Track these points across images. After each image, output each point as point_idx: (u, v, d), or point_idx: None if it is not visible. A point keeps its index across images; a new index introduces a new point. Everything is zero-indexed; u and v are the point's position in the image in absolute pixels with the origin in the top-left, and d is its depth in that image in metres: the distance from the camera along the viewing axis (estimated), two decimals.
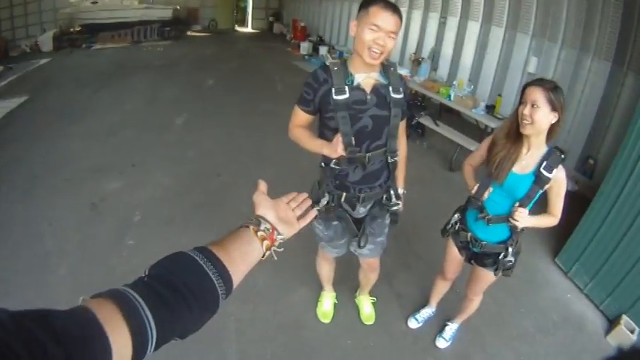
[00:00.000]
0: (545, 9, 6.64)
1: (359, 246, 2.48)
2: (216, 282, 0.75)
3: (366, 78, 2.04)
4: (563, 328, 3.53)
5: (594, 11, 5.85)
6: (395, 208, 2.40)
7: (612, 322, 3.61)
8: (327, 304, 3.19)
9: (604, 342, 3.49)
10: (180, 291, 0.69)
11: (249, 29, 16.88)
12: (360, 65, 2.00)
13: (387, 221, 2.53)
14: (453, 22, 8.43)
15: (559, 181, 2.07)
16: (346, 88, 1.99)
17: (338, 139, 1.95)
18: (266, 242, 0.94)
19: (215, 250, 0.81)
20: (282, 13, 16.63)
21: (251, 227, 0.95)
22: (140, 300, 0.62)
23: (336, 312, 3.21)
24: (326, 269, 2.98)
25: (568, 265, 4.11)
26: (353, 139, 2.06)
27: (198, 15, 15.35)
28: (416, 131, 6.64)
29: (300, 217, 1.10)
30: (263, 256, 0.95)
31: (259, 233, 0.94)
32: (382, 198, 2.36)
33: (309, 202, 1.16)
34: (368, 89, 2.04)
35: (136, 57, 10.04)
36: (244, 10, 17.30)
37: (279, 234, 1.00)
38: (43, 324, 0.48)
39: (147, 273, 0.72)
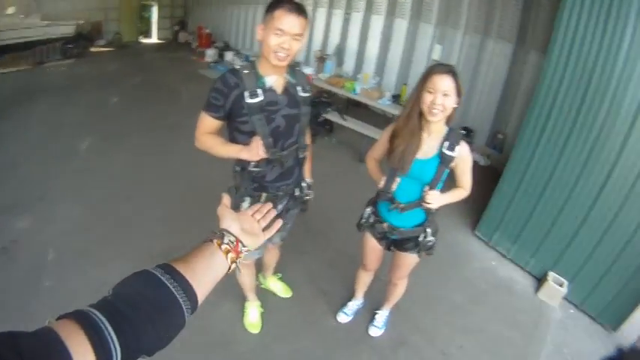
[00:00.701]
0: None
1: (280, 239, 2.55)
2: (178, 296, 0.76)
3: (277, 79, 2.03)
4: (494, 294, 3.67)
5: None
6: (307, 197, 2.45)
7: (540, 280, 3.85)
8: (253, 314, 3.05)
9: (536, 299, 3.70)
10: (142, 307, 0.70)
11: (154, 40, 16.35)
12: (269, 67, 1.98)
13: (297, 210, 2.53)
14: (357, 18, 8.59)
15: (463, 157, 2.11)
16: (259, 90, 1.95)
17: (258, 142, 1.94)
18: (230, 255, 0.94)
19: (177, 266, 0.81)
20: (187, 21, 16.19)
21: (214, 241, 0.95)
22: (102, 318, 0.64)
23: (264, 320, 3.08)
24: (248, 277, 2.87)
25: (488, 234, 4.31)
26: (271, 140, 2.03)
27: (101, 29, 14.61)
28: (324, 128, 6.66)
29: (265, 229, 1.12)
30: (229, 269, 0.94)
31: (223, 246, 0.94)
32: (294, 191, 2.36)
33: (274, 213, 1.18)
34: (279, 90, 2.04)
35: (38, 79, 9.32)
36: (149, 20, 16.74)
37: (243, 246, 1.00)
38: (9, 344, 0.52)
39: (110, 292, 0.72)
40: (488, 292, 3.67)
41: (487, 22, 6.43)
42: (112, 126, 6.42)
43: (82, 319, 0.63)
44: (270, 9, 1.87)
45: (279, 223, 1.18)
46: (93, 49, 13.26)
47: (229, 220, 1.03)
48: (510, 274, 3.93)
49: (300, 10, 1.87)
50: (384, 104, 6.20)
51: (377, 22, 8.19)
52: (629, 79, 3.11)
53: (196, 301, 0.80)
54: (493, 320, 3.38)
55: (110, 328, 0.63)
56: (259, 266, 3.12)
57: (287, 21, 1.83)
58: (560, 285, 3.64)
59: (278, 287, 3.32)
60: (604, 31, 3.18)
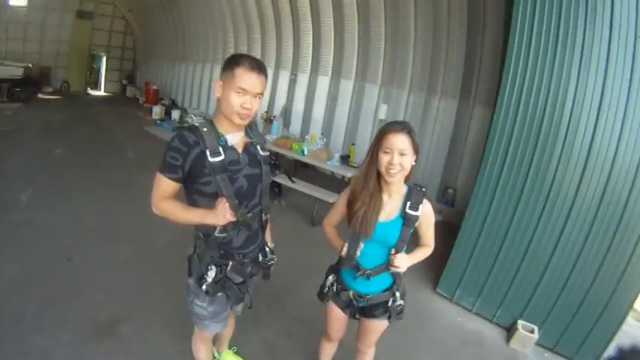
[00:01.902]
0: (392, 59, 7.30)
1: (249, 307, 2.29)
2: None
3: (237, 137, 1.94)
4: (465, 350, 3.54)
5: (438, 57, 6.62)
6: (271, 263, 2.28)
7: (510, 330, 3.78)
8: None
9: (508, 349, 3.61)
10: None
11: (102, 92, 16.04)
12: (228, 125, 1.89)
13: (259, 277, 2.33)
14: (303, 79, 8.81)
15: (427, 215, 2.06)
16: (220, 149, 1.84)
17: (224, 204, 1.81)
18: None
19: None
20: (136, 75, 16.10)
21: None
22: None
23: None
24: (205, 351, 2.57)
25: (450, 291, 4.22)
26: (236, 201, 1.89)
27: (50, 76, 14.18)
28: (272, 190, 6.49)
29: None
30: None
31: None
32: (258, 256, 2.21)
33: None
34: (240, 149, 1.95)
35: None
36: (98, 71, 16.46)
37: None
38: None
39: None
40: (458, 348, 3.53)
41: (431, 80, 6.76)
42: (56, 178, 6.11)
43: None
44: (230, 66, 1.80)
45: None
46: (40, 95, 12.85)
47: None
48: (478, 328, 3.83)
49: (261, 68, 1.83)
50: (333, 165, 6.20)
51: (323, 83, 8.42)
52: (578, 120, 3.28)
53: None
54: None
55: None
56: (213, 340, 2.81)
57: (248, 80, 1.78)
58: (531, 331, 3.60)
59: None
60: (550, 76, 3.36)
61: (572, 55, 3.26)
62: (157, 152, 1.83)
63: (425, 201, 2.01)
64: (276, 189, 6.44)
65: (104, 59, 16.13)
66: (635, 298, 3.31)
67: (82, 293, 3.48)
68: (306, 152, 6.42)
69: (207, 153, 1.80)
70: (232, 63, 1.80)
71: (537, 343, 3.62)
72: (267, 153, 2.09)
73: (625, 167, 3.17)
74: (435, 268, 4.38)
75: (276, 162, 6.66)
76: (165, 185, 1.86)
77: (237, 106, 1.79)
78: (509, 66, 3.54)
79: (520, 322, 3.66)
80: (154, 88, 13.21)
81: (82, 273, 3.77)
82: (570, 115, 3.30)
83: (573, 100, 3.27)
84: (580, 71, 3.24)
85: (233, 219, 1.84)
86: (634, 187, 3.15)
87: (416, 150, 1.92)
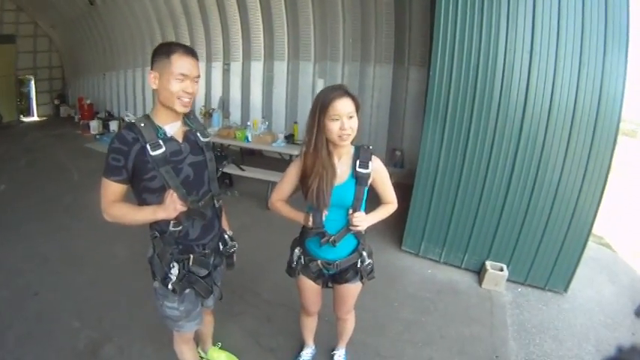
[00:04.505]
0: (322, 34, 7.29)
1: (219, 299, 2.29)
2: None
3: (176, 127, 1.91)
4: (441, 300, 3.69)
5: (368, 25, 6.68)
6: (232, 250, 2.26)
7: (480, 272, 3.99)
8: None
9: (482, 291, 3.82)
10: None
11: (35, 118, 15.17)
12: (166, 116, 1.87)
13: (223, 266, 2.32)
14: (236, 67, 8.65)
15: (379, 171, 2.08)
16: (160, 141, 1.82)
17: (172, 195, 1.79)
18: None
19: None
20: (68, 93, 15.20)
21: None
22: None
23: None
24: (190, 352, 2.55)
25: (415, 246, 4.39)
26: (184, 191, 1.87)
27: None
28: (223, 182, 6.42)
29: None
30: None
31: None
32: (218, 246, 2.19)
33: None
34: (180, 138, 1.93)
35: None
36: (28, 96, 15.52)
37: None
38: None
39: None
40: (434, 299, 3.68)
41: (364, 49, 6.84)
42: (3, 215, 5.73)
43: None
44: (163, 54, 1.77)
45: None
46: None
47: None
48: (449, 276, 4.01)
49: (194, 52, 1.83)
50: (279, 146, 6.22)
51: (257, 68, 8.32)
52: (511, 70, 3.45)
53: None
54: (450, 324, 3.37)
55: None
56: (196, 340, 2.80)
57: (186, 64, 1.77)
58: (500, 270, 3.82)
59: (222, 358, 2.98)
60: (480, 27, 3.50)
61: (500, 4, 3.40)
62: (101, 168, 1.78)
63: (374, 158, 2.04)
64: (227, 180, 6.39)
65: (32, 82, 15.16)
66: (592, 223, 3.56)
67: (57, 324, 3.36)
68: (250, 138, 6.37)
69: (148, 147, 1.78)
70: (165, 51, 1.78)
71: (509, 280, 3.84)
72: (209, 138, 2.08)
73: (563, 105, 3.37)
74: (397, 228, 4.52)
75: (223, 153, 6.55)
76: (112, 189, 1.82)
77: (179, 92, 1.78)
78: (439, 21, 3.64)
79: (488, 263, 3.87)
80: (88, 102, 12.52)
81: (51, 305, 3.63)
82: (504, 62, 3.46)
83: (505, 47, 3.43)
84: (509, 18, 3.39)
85: (184, 208, 1.83)
86: (574, 119, 3.37)
87: (358, 109, 1.95)
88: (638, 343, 3.23)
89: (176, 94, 1.78)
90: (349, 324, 2.68)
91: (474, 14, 3.48)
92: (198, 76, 1.85)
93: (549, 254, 3.71)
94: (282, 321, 3.36)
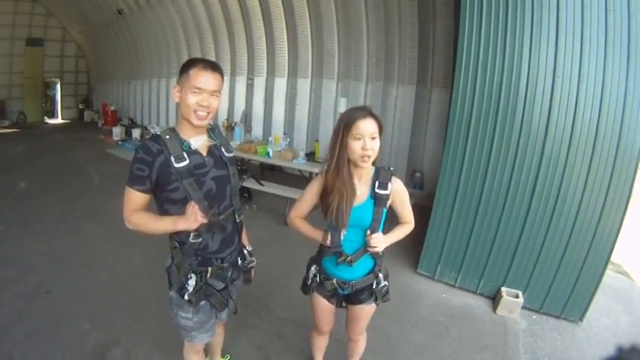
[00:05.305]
0: (346, 54, 7.35)
1: (234, 313, 2.26)
2: None
3: (200, 141, 1.95)
4: (455, 325, 3.61)
5: (392, 46, 6.72)
6: (251, 265, 2.27)
7: (495, 298, 3.90)
8: None
9: (496, 317, 3.73)
10: None
11: (59, 120, 15.51)
12: (190, 129, 1.91)
13: (240, 281, 2.32)
14: (260, 82, 8.77)
15: (399, 192, 2.08)
16: (184, 154, 1.85)
17: (193, 206, 1.81)
18: None
19: None
20: (92, 98, 15.60)
21: None
22: None
23: None
24: None
25: (431, 269, 4.31)
26: (206, 204, 1.89)
27: (5, 109, 13.63)
28: (243, 196, 6.45)
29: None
30: None
31: None
32: (237, 260, 2.20)
33: None
34: (204, 152, 1.96)
35: None
36: (53, 99, 15.92)
37: None
38: None
39: None
40: (447, 324, 3.60)
41: (387, 70, 6.87)
42: (23, 212, 5.91)
43: None
44: (185, 69, 1.84)
45: None
46: None
47: None
48: (464, 301, 3.93)
49: (215, 67, 1.86)
50: (299, 163, 6.25)
51: (280, 84, 8.40)
52: (534, 93, 3.41)
53: None
54: (462, 350, 3.30)
55: None
56: (205, 351, 2.79)
57: (203, 78, 1.81)
58: (516, 296, 3.73)
59: None
60: (503, 49, 3.48)
61: (523, 27, 3.38)
62: (122, 174, 1.82)
63: (394, 179, 2.05)
64: (246, 194, 6.41)
65: (58, 85, 15.61)
66: (611, 251, 3.47)
67: (66, 325, 3.38)
68: (271, 154, 6.44)
69: (172, 159, 1.80)
70: (187, 66, 1.83)
71: (524, 307, 3.75)
72: (232, 154, 2.10)
73: (585, 128, 3.32)
74: (413, 250, 4.46)
75: (243, 167, 6.62)
76: (135, 198, 1.85)
77: (194, 105, 1.81)
78: (462, 43, 3.64)
79: (504, 289, 3.78)
80: (112, 109, 12.86)
81: (63, 304, 3.66)
82: (527, 85, 3.43)
83: (528, 70, 3.41)
84: (532, 41, 3.37)
85: (205, 220, 1.84)
86: (595, 146, 3.31)
87: (381, 131, 1.96)
88: (638, 343, 3.12)
89: (192, 107, 1.82)
90: (360, 345, 2.64)
91: (497, 36, 3.48)
92: (217, 91, 1.87)
93: (566, 282, 3.62)
94: (292, 337, 3.32)
